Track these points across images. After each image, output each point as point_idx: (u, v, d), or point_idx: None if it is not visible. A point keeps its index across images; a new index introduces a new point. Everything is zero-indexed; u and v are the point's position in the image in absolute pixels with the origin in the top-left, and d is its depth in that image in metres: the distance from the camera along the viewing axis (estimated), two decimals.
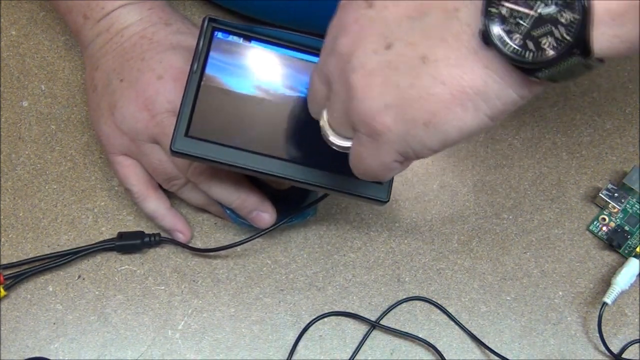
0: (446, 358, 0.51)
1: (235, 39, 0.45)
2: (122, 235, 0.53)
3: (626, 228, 0.54)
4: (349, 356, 0.51)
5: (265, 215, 0.50)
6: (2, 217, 0.54)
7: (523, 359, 0.52)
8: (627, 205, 0.54)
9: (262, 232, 0.51)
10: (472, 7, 0.31)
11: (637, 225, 0.54)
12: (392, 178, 0.45)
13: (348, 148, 0.37)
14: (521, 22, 0.31)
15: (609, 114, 0.59)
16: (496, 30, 0.31)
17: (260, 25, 0.45)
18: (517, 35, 0.31)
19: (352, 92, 0.34)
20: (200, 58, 0.44)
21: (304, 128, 0.45)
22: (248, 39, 0.45)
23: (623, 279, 0.52)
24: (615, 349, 0.51)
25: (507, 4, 0.31)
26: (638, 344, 0.52)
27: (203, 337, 0.51)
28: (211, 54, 0.44)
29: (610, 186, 0.54)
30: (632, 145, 0.57)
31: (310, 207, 0.52)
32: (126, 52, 0.49)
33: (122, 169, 0.51)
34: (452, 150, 0.57)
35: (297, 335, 0.52)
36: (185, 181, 0.50)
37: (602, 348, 0.51)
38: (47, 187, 0.55)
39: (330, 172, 0.45)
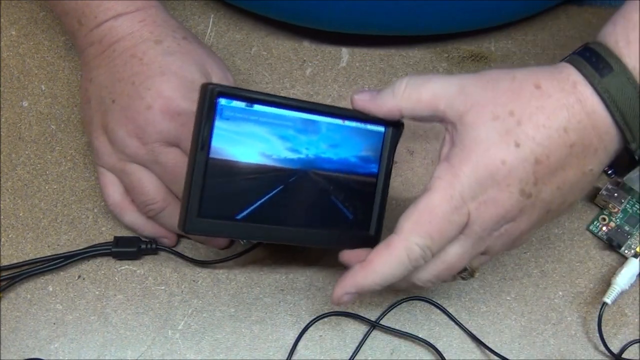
0: (446, 358, 0.51)
1: (238, 104, 0.43)
2: (118, 241, 0.53)
3: (626, 228, 0.54)
4: (349, 356, 0.51)
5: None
6: (2, 217, 0.54)
7: (523, 359, 0.52)
8: (627, 205, 0.54)
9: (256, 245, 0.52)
10: (605, 162, 0.42)
11: (637, 225, 0.54)
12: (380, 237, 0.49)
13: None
14: None
15: None
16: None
17: (260, 92, 0.44)
18: None
19: (515, 244, 0.44)
20: (205, 132, 0.42)
21: (302, 190, 0.45)
22: (251, 103, 0.43)
23: (623, 279, 0.52)
24: (615, 349, 0.51)
25: None
26: (638, 344, 0.52)
27: (203, 337, 0.52)
28: (216, 124, 0.42)
29: (610, 186, 0.54)
30: None
31: None
32: (117, 70, 0.49)
33: (103, 177, 0.51)
34: None
35: (297, 335, 0.52)
36: (163, 207, 0.50)
37: (602, 348, 0.51)
38: (47, 187, 0.55)
39: (325, 230, 0.46)
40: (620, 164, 0.43)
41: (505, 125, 0.40)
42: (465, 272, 0.44)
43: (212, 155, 0.42)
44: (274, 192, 0.44)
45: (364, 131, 0.46)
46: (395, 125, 0.47)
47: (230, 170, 0.43)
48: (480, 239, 0.42)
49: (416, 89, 0.43)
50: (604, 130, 0.40)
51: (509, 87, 0.41)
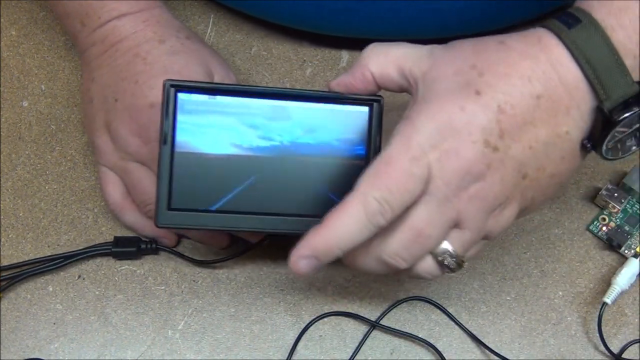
0: (446, 358, 0.51)
1: (199, 97, 0.44)
2: (118, 241, 0.53)
3: (626, 228, 0.54)
4: (349, 356, 0.51)
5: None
6: (2, 217, 0.54)
7: (523, 359, 0.52)
8: (627, 205, 0.54)
9: (256, 245, 0.52)
10: (582, 126, 0.39)
11: (637, 225, 0.54)
12: None
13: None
14: (618, 135, 0.39)
15: None
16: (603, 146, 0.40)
17: (220, 83, 0.44)
18: (612, 143, 0.40)
19: (499, 221, 0.40)
20: (168, 126, 0.43)
21: (281, 177, 0.45)
22: (212, 94, 0.44)
23: (623, 279, 0.52)
24: (615, 349, 0.51)
25: (618, 129, 0.39)
26: (638, 344, 0.52)
27: (203, 337, 0.52)
28: (179, 118, 0.44)
29: (610, 186, 0.54)
30: None
31: None
32: (120, 70, 0.49)
33: (103, 177, 0.51)
34: None
35: (297, 335, 0.52)
36: None
37: (602, 348, 0.51)
38: (47, 187, 0.55)
39: (309, 217, 0.45)
40: (595, 132, 0.40)
41: (467, 77, 0.39)
42: (449, 258, 0.40)
43: (177, 149, 0.43)
44: (250, 180, 0.44)
45: (344, 113, 0.45)
46: (376, 102, 0.46)
47: (200, 162, 0.44)
48: (446, 198, 0.38)
49: (385, 50, 0.42)
50: (574, 84, 0.38)
51: (472, 46, 0.40)
